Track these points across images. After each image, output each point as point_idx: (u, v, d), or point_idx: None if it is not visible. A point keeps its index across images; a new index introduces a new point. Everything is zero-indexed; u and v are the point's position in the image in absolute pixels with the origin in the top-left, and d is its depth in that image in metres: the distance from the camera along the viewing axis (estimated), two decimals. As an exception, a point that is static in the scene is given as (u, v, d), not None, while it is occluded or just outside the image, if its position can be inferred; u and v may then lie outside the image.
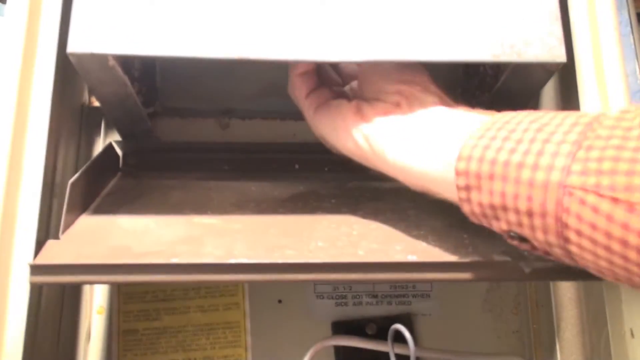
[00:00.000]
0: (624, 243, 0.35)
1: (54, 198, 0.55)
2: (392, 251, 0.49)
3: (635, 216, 0.34)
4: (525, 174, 0.39)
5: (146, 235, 0.51)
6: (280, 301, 0.73)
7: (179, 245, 0.49)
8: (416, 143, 0.48)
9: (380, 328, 0.71)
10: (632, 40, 1.34)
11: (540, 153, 0.39)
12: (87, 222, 0.53)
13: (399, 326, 0.56)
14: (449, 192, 0.46)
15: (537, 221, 0.39)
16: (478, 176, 0.41)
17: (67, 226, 0.51)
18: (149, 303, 0.71)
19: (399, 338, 0.58)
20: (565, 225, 0.38)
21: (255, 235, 0.51)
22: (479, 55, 0.50)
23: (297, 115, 0.74)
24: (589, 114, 0.41)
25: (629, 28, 1.38)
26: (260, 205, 0.58)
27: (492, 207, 0.41)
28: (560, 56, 0.51)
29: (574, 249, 0.38)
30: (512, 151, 0.40)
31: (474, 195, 0.42)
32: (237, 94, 0.76)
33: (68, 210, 0.50)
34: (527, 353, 0.74)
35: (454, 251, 0.50)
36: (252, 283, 0.71)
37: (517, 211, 0.40)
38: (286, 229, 0.53)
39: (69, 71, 0.54)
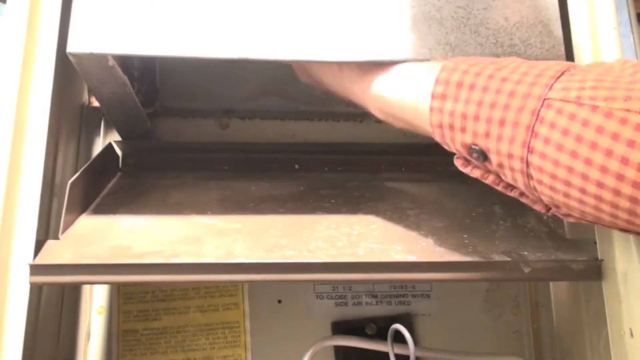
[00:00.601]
0: (594, 145, 0.37)
1: (53, 198, 0.55)
2: (392, 251, 0.50)
3: (612, 121, 0.36)
4: (508, 86, 0.41)
5: (146, 235, 0.51)
6: (279, 301, 0.73)
7: (178, 245, 0.49)
8: (391, 72, 0.50)
9: (380, 328, 0.71)
10: (632, 40, 1.34)
11: (525, 73, 0.41)
12: (86, 222, 0.53)
13: (399, 326, 0.56)
14: (418, 118, 0.47)
15: (507, 130, 0.41)
16: (459, 84, 0.43)
17: (66, 226, 0.51)
18: (148, 303, 0.71)
19: (398, 338, 0.58)
20: (535, 135, 0.39)
21: (255, 235, 0.51)
22: (479, 51, 0.50)
23: (297, 115, 0.74)
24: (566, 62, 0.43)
25: (628, 28, 1.38)
26: (260, 205, 0.58)
27: (464, 116, 0.43)
28: (560, 56, 0.51)
29: (534, 159, 0.40)
30: (499, 69, 0.42)
31: (448, 105, 0.44)
32: (237, 94, 0.76)
33: (68, 210, 0.50)
34: (527, 353, 0.74)
35: (453, 251, 0.50)
36: (251, 283, 0.71)
37: (489, 120, 0.41)
38: (286, 229, 0.53)
39: (69, 71, 0.54)
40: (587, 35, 0.55)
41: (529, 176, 0.42)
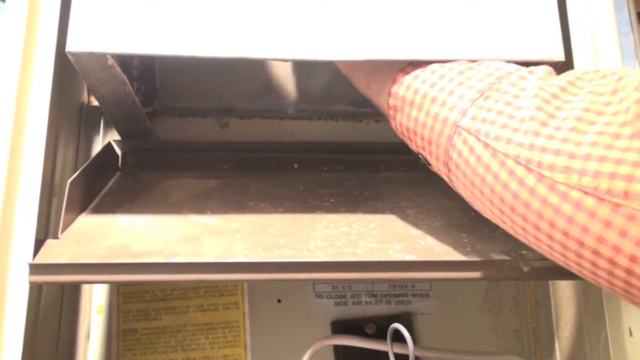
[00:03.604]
0: (483, 180, 0.42)
1: (53, 197, 0.55)
2: (391, 250, 0.50)
3: (496, 161, 0.41)
4: (435, 107, 0.45)
5: (145, 234, 0.51)
6: (279, 301, 0.73)
7: (177, 244, 0.49)
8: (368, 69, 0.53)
9: (379, 327, 0.71)
10: (632, 40, 1.34)
11: (451, 93, 0.45)
12: (86, 222, 0.53)
13: (398, 325, 0.56)
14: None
15: (434, 149, 0.46)
16: (403, 100, 0.48)
17: (66, 225, 0.51)
18: (148, 303, 0.71)
19: (398, 337, 0.58)
20: (450, 158, 0.45)
21: (254, 234, 0.51)
22: (479, 54, 0.50)
23: (296, 115, 0.74)
24: (508, 68, 0.46)
25: (629, 27, 1.38)
26: (259, 204, 0.58)
27: (407, 129, 0.48)
28: (559, 55, 0.51)
29: (453, 177, 0.46)
30: (433, 85, 0.46)
31: (398, 116, 0.49)
32: (236, 93, 0.76)
33: (67, 210, 0.50)
34: (526, 352, 0.74)
35: (452, 250, 0.50)
36: (251, 282, 0.71)
37: (422, 137, 0.47)
38: (285, 228, 0.53)
39: (68, 70, 0.54)
40: (586, 34, 0.55)
41: (454, 188, 0.47)
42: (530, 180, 0.38)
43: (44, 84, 0.51)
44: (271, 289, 0.72)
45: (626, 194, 0.34)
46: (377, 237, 0.52)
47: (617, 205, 0.34)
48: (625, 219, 0.34)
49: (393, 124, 0.50)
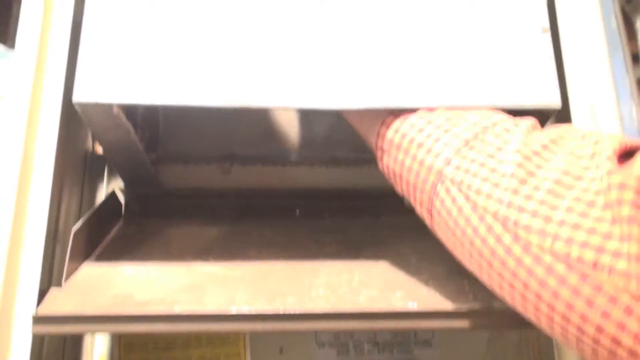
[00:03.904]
0: (463, 232, 0.42)
1: (57, 245, 0.55)
2: (393, 298, 0.50)
3: (476, 215, 0.41)
4: (421, 153, 0.46)
5: (148, 282, 0.51)
6: (281, 351, 0.72)
7: (180, 293, 0.49)
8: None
9: (382, 376, 0.71)
10: (627, 82, 1.34)
11: (437, 140, 0.45)
12: (89, 270, 0.53)
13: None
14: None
15: (418, 194, 0.46)
16: (391, 143, 0.48)
17: (69, 274, 0.51)
18: (150, 352, 0.70)
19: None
20: (433, 205, 0.45)
21: (257, 283, 0.52)
22: (477, 101, 0.51)
23: (298, 161, 0.75)
24: (494, 118, 0.46)
25: (623, 69, 1.39)
26: (261, 251, 0.59)
27: (394, 172, 0.49)
28: (555, 102, 0.52)
29: (435, 225, 0.46)
30: (420, 130, 0.47)
31: (385, 158, 0.49)
32: (239, 139, 0.77)
33: (71, 258, 0.51)
34: (531, 400, 0.74)
35: (454, 298, 0.50)
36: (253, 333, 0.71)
37: (407, 182, 0.47)
38: (287, 275, 0.53)
39: (74, 119, 0.54)
40: (581, 80, 0.56)
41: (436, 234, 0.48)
42: (507, 239, 0.39)
43: (50, 134, 0.52)
44: (273, 338, 0.72)
45: (595, 265, 0.34)
46: (379, 285, 0.52)
47: (585, 275, 0.35)
48: (592, 289, 0.34)
49: (380, 165, 0.51)
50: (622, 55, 1.37)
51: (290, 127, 0.78)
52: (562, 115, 0.56)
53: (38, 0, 0.54)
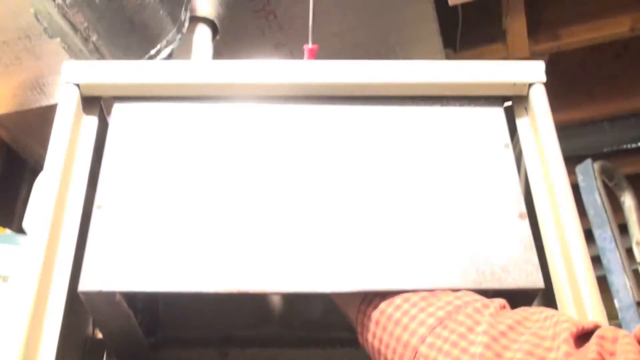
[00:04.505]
0: None
1: None
2: None
3: None
4: (397, 330, 0.48)
5: None
6: None
7: None
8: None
9: None
10: (618, 255, 1.35)
11: (413, 318, 0.48)
12: None
13: None
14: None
15: None
16: (370, 318, 0.51)
17: None
18: None
19: None
20: None
21: None
22: (462, 283, 0.53)
23: (295, 343, 0.75)
24: (466, 298, 0.49)
25: (613, 244, 1.40)
26: None
27: (373, 347, 0.50)
28: (538, 282, 0.54)
29: None
30: (397, 308, 0.50)
31: (364, 331, 0.51)
32: (236, 322, 0.78)
33: None
34: None
35: None
36: None
37: (385, 357, 0.49)
38: None
39: (77, 307, 0.56)
40: (562, 261, 0.56)
41: None
42: None
43: (54, 323, 0.53)
44: None
45: None
46: None
47: None
48: None
49: (360, 339, 0.53)
50: (610, 231, 1.39)
51: (286, 309, 0.79)
52: (547, 295, 0.57)
53: (52, 186, 0.56)
